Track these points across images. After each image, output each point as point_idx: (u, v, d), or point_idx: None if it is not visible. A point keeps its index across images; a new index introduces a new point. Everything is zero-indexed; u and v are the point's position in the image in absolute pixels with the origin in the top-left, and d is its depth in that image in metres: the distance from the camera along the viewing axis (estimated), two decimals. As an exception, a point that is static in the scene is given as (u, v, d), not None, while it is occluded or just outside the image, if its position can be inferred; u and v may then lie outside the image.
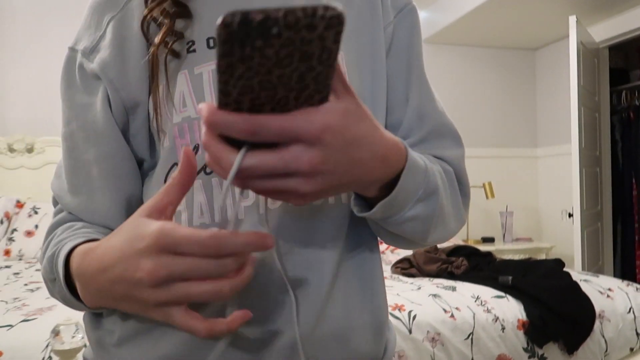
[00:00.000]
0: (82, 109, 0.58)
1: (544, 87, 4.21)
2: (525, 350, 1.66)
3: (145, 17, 0.54)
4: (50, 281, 0.55)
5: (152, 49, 0.53)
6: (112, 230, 0.56)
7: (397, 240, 0.57)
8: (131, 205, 0.58)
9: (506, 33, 3.84)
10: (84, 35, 0.59)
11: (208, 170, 0.54)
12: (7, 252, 2.70)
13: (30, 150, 3.17)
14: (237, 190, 0.53)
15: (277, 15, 0.30)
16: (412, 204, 0.49)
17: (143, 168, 0.60)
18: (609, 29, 3.52)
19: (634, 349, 1.86)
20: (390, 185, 0.46)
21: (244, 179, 0.37)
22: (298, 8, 0.30)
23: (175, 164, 0.55)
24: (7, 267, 2.42)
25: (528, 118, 4.27)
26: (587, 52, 3.24)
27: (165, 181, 0.56)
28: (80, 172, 0.59)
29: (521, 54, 4.25)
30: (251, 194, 0.54)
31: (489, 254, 2.37)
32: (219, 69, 0.32)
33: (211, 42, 0.55)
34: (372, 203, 0.49)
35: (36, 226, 2.80)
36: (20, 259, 2.68)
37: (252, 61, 0.32)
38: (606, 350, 1.78)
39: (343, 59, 0.57)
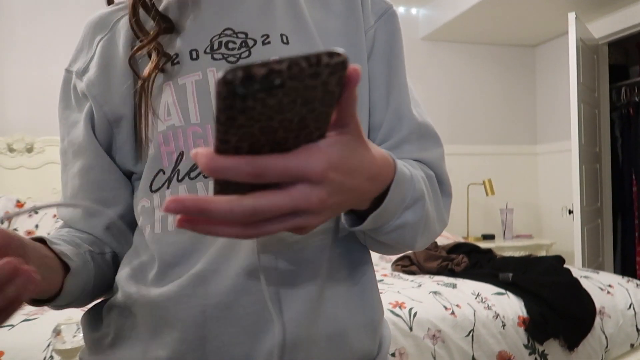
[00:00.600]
0: (73, 126, 0.63)
1: (544, 84, 4.20)
2: (526, 346, 1.66)
3: (133, 54, 0.57)
4: None
5: (140, 82, 0.56)
6: (96, 237, 0.63)
7: (384, 248, 0.57)
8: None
9: (505, 30, 3.84)
10: (79, 56, 0.64)
11: (192, 175, 0.56)
12: (7, 252, 2.70)
13: (30, 150, 3.16)
14: None
15: (281, 67, 0.29)
16: (400, 212, 0.50)
17: (132, 179, 0.63)
18: (609, 26, 3.51)
19: (635, 345, 1.87)
20: (378, 196, 0.46)
21: (254, 224, 0.35)
22: (301, 58, 0.29)
23: (161, 170, 0.57)
24: (7, 267, 2.42)
25: (528, 115, 4.27)
26: (586, 49, 3.23)
27: (150, 187, 0.58)
28: (70, 185, 0.63)
29: (520, 51, 4.25)
30: None
31: (489, 251, 2.37)
32: (218, 120, 0.31)
33: (194, 54, 0.58)
34: (360, 215, 0.49)
35: (36, 226, 2.80)
36: (20, 259, 2.68)
37: (254, 111, 0.31)
38: (607, 347, 1.79)
39: None
